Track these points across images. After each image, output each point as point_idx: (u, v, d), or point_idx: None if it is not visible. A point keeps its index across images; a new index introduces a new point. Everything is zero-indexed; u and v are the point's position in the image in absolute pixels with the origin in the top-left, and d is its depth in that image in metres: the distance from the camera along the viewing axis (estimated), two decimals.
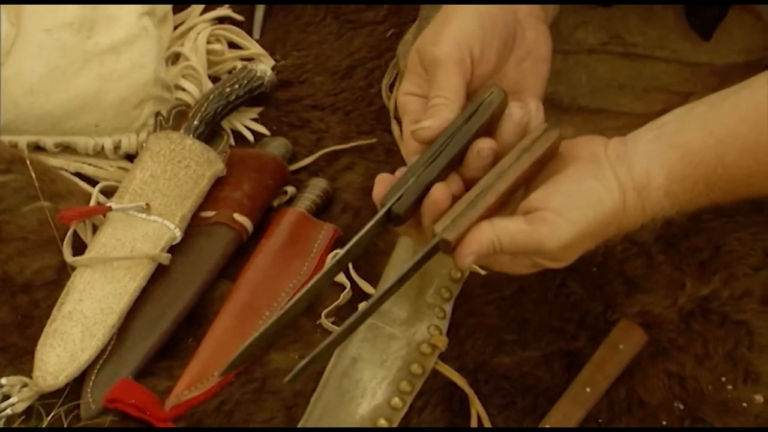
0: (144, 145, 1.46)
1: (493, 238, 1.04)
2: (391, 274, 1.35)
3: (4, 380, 1.26)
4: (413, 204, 1.08)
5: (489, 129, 1.11)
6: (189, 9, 1.68)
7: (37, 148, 1.50)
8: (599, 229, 1.06)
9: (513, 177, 1.08)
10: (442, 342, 1.29)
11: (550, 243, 1.04)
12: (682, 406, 1.26)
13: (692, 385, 1.27)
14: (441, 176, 1.08)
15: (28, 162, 1.41)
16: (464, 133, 1.09)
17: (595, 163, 1.08)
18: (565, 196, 1.05)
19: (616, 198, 1.06)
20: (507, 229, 1.05)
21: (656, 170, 1.06)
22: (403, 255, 1.35)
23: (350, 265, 1.38)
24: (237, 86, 1.54)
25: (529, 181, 1.09)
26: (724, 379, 1.27)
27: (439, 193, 1.07)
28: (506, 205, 1.09)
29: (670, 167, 1.06)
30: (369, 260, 1.37)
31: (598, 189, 1.06)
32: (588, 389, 1.25)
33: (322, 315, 1.32)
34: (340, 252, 1.12)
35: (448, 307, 1.33)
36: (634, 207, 1.07)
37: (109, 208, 1.37)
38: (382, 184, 1.10)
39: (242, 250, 1.41)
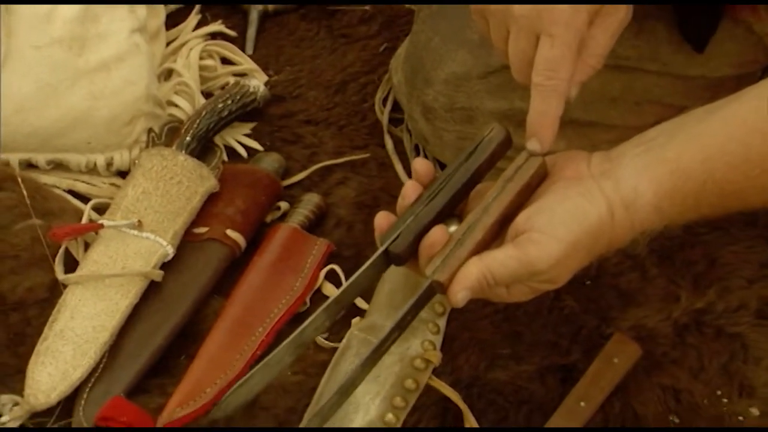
0: (136, 161, 1.45)
1: (484, 270, 1.04)
2: (384, 288, 1.34)
3: None
4: (411, 244, 1.08)
5: (489, 167, 1.11)
6: (182, 25, 1.68)
7: (29, 165, 1.49)
8: (588, 244, 1.05)
9: (498, 210, 1.07)
10: (436, 357, 1.28)
11: (540, 263, 1.03)
12: (677, 420, 1.25)
13: (687, 398, 1.26)
14: (440, 215, 1.08)
15: (19, 180, 1.41)
16: (463, 172, 1.09)
17: (579, 181, 1.07)
18: (549, 214, 1.05)
19: (603, 213, 1.05)
20: (496, 259, 1.04)
21: (644, 186, 1.05)
22: (396, 270, 1.34)
23: (343, 279, 1.38)
24: (230, 102, 1.53)
25: (518, 210, 1.08)
26: (719, 392, 1.27)
27: (437, 234, 1.06)
28: (498, 237, 1.08)
29: (659, 183, 1.05)
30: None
31: (584, 205, 1.05)
32: (582, 404, 1.24)
33: None
34: (337, 291, 1.11)
35: (442, 322, 1.32)
36: (622, 223, 1.06)
37: (101, 226, 1.37)
38: (383, 221, 1.10)
39: (235, 266, 1.40)
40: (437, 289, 1.06)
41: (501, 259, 1.04)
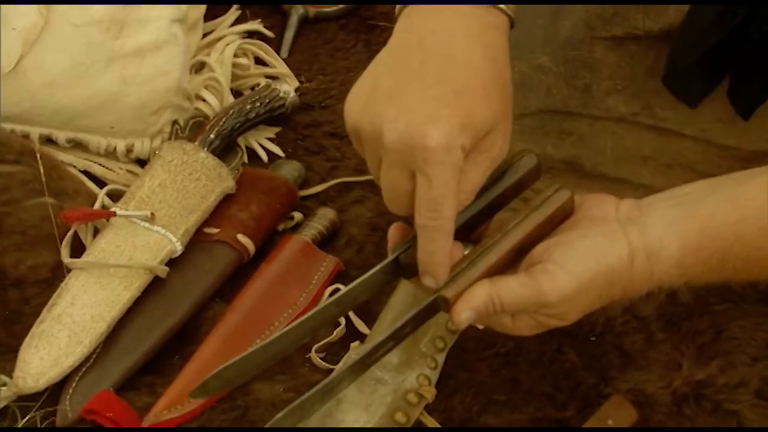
0: (157, 152, 1.44)
1: (493, 294, 1.02)
2: (388, 316, 1.32)
3: None
4: None
5: (517, 191, 1.09)
6: (220, 19, 1.67)
7: (48, 140, 1.48)
8: (603, 285, 1.04)
9: (518, 237, 1.06)
10: (431, 393, 1.26)
11: (551, 295, 1.01)
12: None
13: None
14: (456, 233, 1.06)
15: (38, 156, 1.40)
16: (487, 195, 1.08)
17: (605, 222, 1.06)
18: (568, 247, 1.03)
19: (624, 257, 1.03)
20: (507, 285, 1.02)
21: (671, 239, 1.04)
22: (403, 297, 1.32)
23: None
24: (258, 104, 1.52)
25: (537, 241, 1.06)
26: None
27: (453, 251, 1.05)
28: (513, 266, 1.06)
29: (687, 237, 1.03)
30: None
31: (605, 244, 1.03)
32: None
33: (313, 349, 1.30)
34: (340, 290, 1.10)
35: (441, 358, 1.30)
36: (641, 271, 1.04)
37: (114, 214, 1.35)
38: (396, 231, 1.08)
39: (241, 272, 1.39)
40: (442, 305, 1.04)
41: (512, 286, 1.02)
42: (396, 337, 1.06)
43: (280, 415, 1.02)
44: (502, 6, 1.06)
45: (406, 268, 1.07)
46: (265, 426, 1.03)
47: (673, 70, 1.31)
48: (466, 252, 1.07)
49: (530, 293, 1.02)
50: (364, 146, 1.06)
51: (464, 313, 1.03)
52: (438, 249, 1.03)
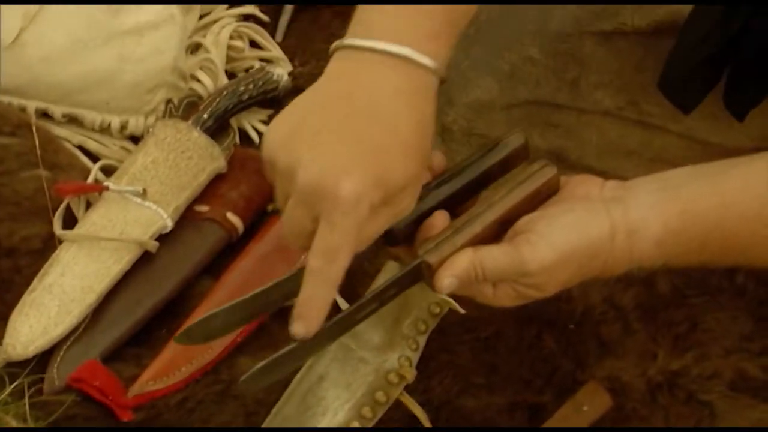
0: (150, 129, 1.45)
1: (475, 261, 1.04)
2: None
3: None
4: (409, 225, 1.08)
5: (503, 169, 1.11)
6: None
7: (44, 115, 1.49)
8: (583, 258, 1.06)
9: (502, 209, 1.08)
10: (411, 374, 1.29)
11: (531, 264, 1.04)
12: None
13: None
14: (442, 204, 1.08)
15: (34, 128, 1.41)
16: (476, 167, 1.10)
17: (588, 200, 1.08)
18: (551, 220, 1.05)
19: (605, 233, 1.05)
20: (490, 253, 1.04)
21: (653, 219, 1.06)
22: (385, 275, 1.34)
23: None
24: (251, 86, 1.53)
25: (521, 216, 1.08)
26: None
27: (438, 219, 1.07)
28: (497, 239, 1.08)
29: (668, 219, 1.06)
30: (351, 279, 1.36)
31: (587, 219, 1.06)
32: None
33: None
34: None
35: (422, 340, 1.32)
36: (622, 249, 1.06)
37: (106, 188, 1.37)
38: None
39: (230, 250, 1.40)
40: (425, 271, 1.06)
41: (494, 254, 1.04)
42: (379, 300, 1.07)
43: (258, 366, 1.03)
44: (430, 65, 1.06)
45: (391, 234, 1.08)
46: (242, 378, 1.05)
47: (671, 76, 1.32)
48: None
49: (512, 261, 1.04)
50: (276, 179, 1.06)
51: (447, 279, 1.04)
52: (319, 296, 1.02)
